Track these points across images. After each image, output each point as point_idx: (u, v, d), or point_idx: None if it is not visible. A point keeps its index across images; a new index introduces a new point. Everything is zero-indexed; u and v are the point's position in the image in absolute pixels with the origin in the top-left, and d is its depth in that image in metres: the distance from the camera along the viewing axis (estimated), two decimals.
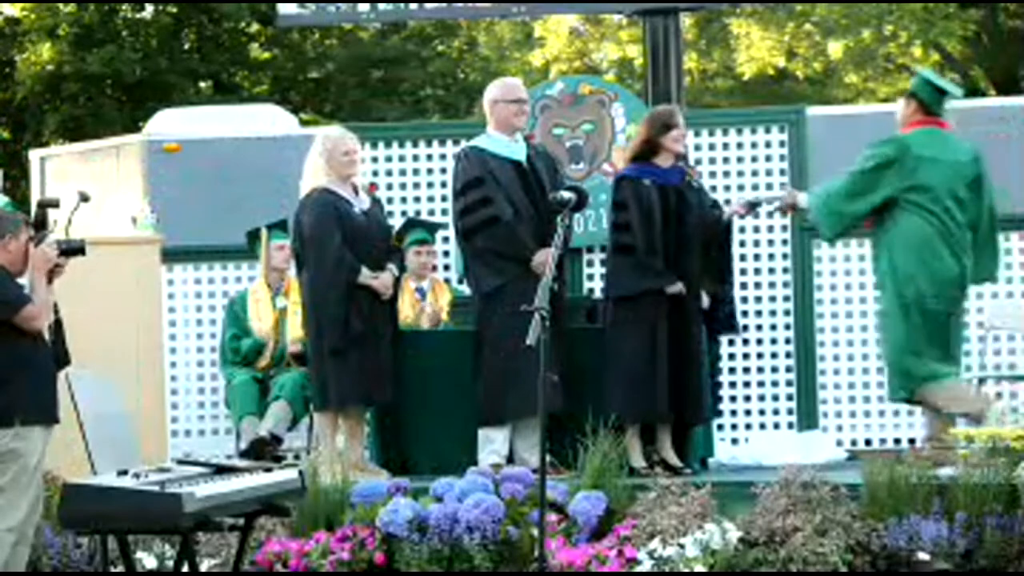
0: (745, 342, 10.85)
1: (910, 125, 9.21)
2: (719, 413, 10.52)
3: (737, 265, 10.85)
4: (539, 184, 9.30)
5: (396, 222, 10.66)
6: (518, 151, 9.39)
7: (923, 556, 7.99)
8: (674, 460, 9.15)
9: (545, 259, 8.49)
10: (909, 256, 8.94)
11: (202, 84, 24.47)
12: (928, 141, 9.12)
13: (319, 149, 9.46)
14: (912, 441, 10.67)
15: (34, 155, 12.66)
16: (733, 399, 10.89)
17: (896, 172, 9.02)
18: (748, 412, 10.85)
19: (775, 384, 10.84)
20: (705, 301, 9.37)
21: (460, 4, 12.69)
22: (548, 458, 8.74)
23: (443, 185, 11.07)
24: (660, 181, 9.21)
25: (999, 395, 10.77)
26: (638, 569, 8.05)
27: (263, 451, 9.90)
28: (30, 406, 7.42)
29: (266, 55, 25.01)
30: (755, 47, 22.86)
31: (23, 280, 7.71)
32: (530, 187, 9.32)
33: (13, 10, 23.53)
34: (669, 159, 9.26)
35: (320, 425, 9.54)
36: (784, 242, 10.86)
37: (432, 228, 10.81)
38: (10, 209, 11.42)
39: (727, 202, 10.04)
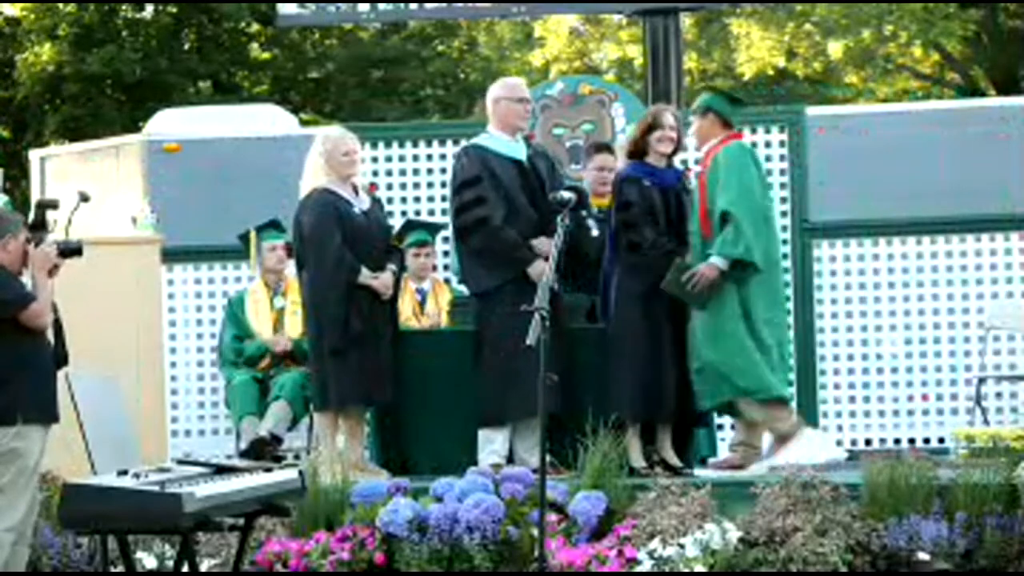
0: None
1: (725, 140, 9.12)
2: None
3: None
4: (539, 183, 9.29)
5: (396, 222, 10.66)
6: (519, 150, 9.38)
7: (923, 556, 7.99)
8: (674, 460, 9.14)
9: (542, 270, 8.52)
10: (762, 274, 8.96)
11: (202, 84, 24.49)
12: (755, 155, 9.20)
13: (319, 149, 9.46)
14: (912, 441, 10.68)
15: (34, 155, 12.67)
16: None
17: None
18: None
19: None
20: None
21: (460, 4, 12.69)
22: (548, 458, 8.78)
23: (443, 185, 11.07)
24: (658, 182, 9.21)
25: (999, 395, 10.79)
26: (638, 569, 8.05)
27: (263, 451, 9.90)
28: (31, 405, 7.42)
29: (266, 55, 25.02)
30: (755, 47, 22.87)
31: (23, 279, 7.71)
32: (531, 186, 9.31)
33: (13, 10, 23.54)
34: (660, 159, 9.25)
35: (320, 425, 9.54)
36: (784, 242, 10.85)
37: (432, 229, 10.80)
38: (9, 209, 11.45)
39: None
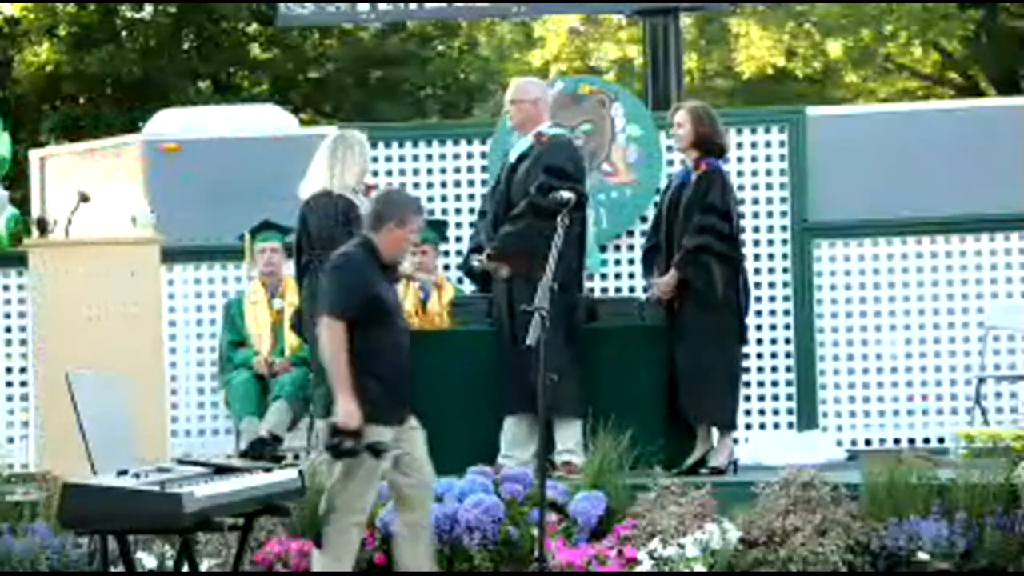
0: (745, 342, 10.84)
1: None
2: None
3: None
4: (508, 185, 9.35)
5: None
6: (517, 149, 9.43)
7: (923, 556, 8.00)
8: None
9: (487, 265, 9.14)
10: None
11: (202, 84, 24.48)
12: None
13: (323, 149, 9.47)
14: (912, 441, 10.68)
15: (34, 155, 12.67)
16: None
17: None
18: (748, 412, 10.82)
19: (775, 384, 10.84)
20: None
21: (460, 4, 12.69)
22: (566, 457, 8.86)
23: (443, 185, 11.08)
24: None
25: (999, 395, 10.78)
26: (638, 569, 8.06)
27: (263, 451, 9.90)
28: None
29: (266, 55, 25.01)
30: (755, 46, 22.88)
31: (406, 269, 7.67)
32: (500, 186, 9.39)
33: (12, 10, 23.53)
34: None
35: (321, 431, 9.46)
36: (784, 242, 10.86)
37: (432, 226, 10.79)
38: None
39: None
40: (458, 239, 10.91)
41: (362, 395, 7.00)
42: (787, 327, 10.84)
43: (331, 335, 7.00)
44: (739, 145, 10.87)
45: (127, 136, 12.93)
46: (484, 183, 10.70)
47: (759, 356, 10.83)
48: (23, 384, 10.86)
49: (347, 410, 6.94)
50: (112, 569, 7.32)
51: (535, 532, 8.00)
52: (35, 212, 11.61)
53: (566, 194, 8.02)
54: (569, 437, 9.14)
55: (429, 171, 11.18)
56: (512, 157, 9.48)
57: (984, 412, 10.46)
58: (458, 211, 10.92)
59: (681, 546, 8.04)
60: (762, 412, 10.86)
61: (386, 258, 7.23)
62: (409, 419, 7.31)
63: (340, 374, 6.97)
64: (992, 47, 23.69)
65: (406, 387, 7.29)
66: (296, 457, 10.48)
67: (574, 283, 9.21)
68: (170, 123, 12.67)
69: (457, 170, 11.10)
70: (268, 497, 6.84)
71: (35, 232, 10.28)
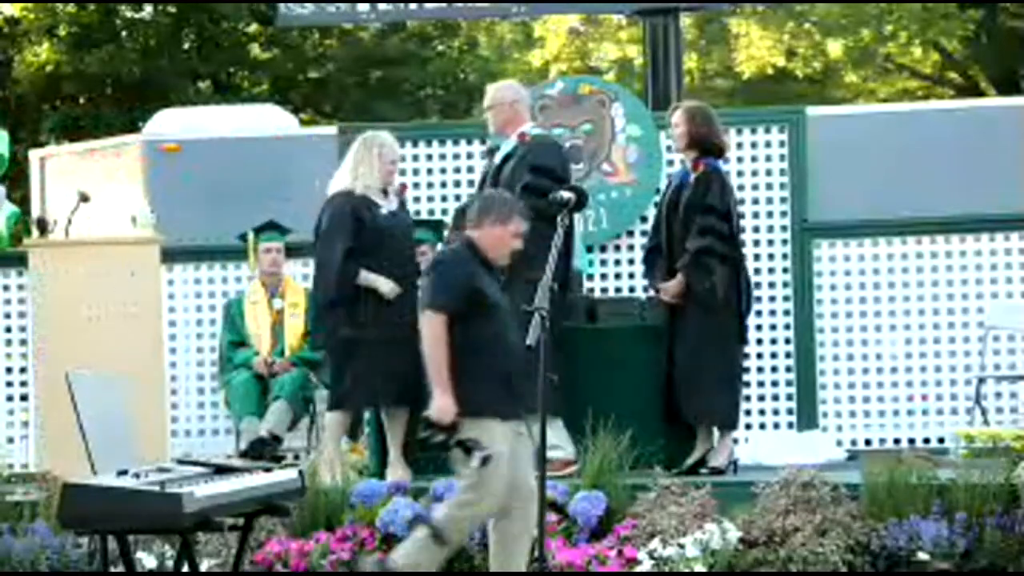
0: (745, 342, 10.85)
1: None
2: None
3: None
4: (495, 184, 9.39)
5: None
6: (502, 151, 9.46)
7: (923, 556, 8.00)
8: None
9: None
10: None
11: (202, 84, 24.49)
12: None
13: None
14: (912, 441, 10.68)
15: (34, 155, 12.67)
16: None
17: None
18: (748, 412, 10.82)
19: (775, 384, 10.84)
20: None
21: (460, 4, 12.68)
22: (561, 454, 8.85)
23: (443, 185, 11.08)
24: None
25: (999, 395, 10.78)
26: (638, 569, 8.06)
27: (263, 451, 9.90)
28: None
29: (266, 55, 25.02)
30: (755, 46, 22.89)
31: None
32: (495, 186, 9.44)
33: (13, 10, 23.53)
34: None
35: (329, 424, 9.43)
36: (784, 242, 10.86)
37: (431, 226, 10.79)
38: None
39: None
40: None
41: (467, 389, 6.96)
42: (787, 327, 10.84)
43: (431, 329, 6.98)
44: (739, 145, 10.87)
45: (127, 136, 12.94)
46: None
47: (759, 356, 10.82)
48: (23, 384, 10.86)
49: (440, 405, 6.91)
50: (112, 569, 7.33)
51: (535, 532, 7.99)
52: (35, 212, 11.62)
53: (566, 194, 8.02)
54: (553, 434, 9.15)
55: (429, 171, 11.18)
56: (496, 159, 9.48)
57: (984, 412, 10.46)
58: None
59: (681, 546, 8.04)
60: (762, 412, 10.86)
61: (488, 256, 7.20)
62: (521, 422, 7.20)
63: (437, 368, 6.96)
64: (992, 47, 23.70)
65: (518, 380, 7.18)
66: (296, 457, 10.48)
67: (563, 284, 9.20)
68: (170, 123, 12.67)
69: (457, 170, 11.10)
70: (268, 497, 6.84)
71: (35, 232, 10.29)
